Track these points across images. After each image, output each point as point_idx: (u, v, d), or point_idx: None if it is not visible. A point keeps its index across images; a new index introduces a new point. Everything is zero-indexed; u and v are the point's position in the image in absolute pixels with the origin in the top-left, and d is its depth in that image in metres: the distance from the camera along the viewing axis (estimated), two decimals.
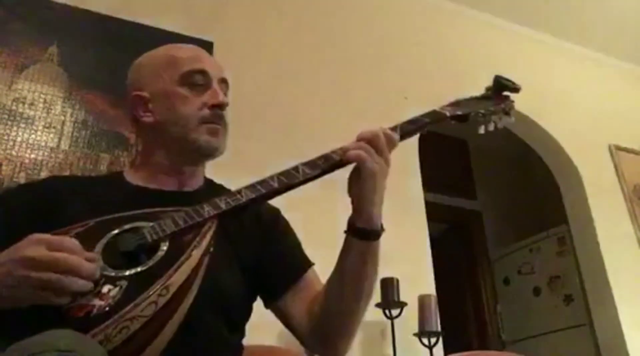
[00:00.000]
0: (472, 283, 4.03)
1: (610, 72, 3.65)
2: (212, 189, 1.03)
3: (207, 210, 0.81)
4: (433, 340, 2.13)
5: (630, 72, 3.76)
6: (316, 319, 0.92)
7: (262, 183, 0.85)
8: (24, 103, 1.94)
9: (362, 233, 0.86)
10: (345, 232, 0.88)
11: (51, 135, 1.94)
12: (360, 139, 0.88)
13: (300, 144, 2.31)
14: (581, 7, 3.29)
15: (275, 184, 0.85)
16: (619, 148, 3.28)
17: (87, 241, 0.75)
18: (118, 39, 2.17)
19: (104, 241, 0.76)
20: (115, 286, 0.69)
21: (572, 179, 3.10)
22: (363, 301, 0.90)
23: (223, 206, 0.82)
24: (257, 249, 0.97)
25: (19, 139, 1.89)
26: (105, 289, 0.68)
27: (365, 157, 0.85)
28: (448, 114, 0.99)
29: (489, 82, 1.05)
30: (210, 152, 0.96)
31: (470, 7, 3.26)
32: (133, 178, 0.99)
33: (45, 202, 0.88)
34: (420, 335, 2.13)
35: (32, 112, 1.94)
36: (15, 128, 1.90)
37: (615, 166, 3.21)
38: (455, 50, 3.10)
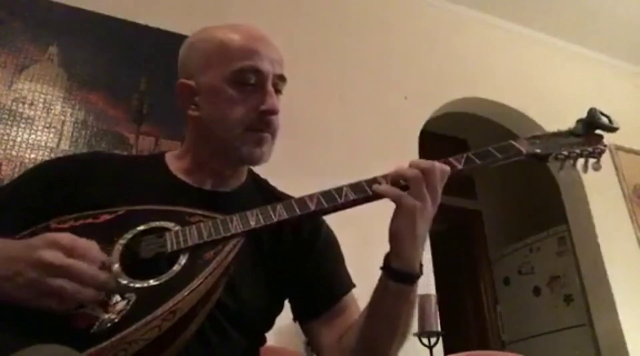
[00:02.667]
0: (472, 283, 4.04)
1: (610, 72, 3.65)
2: (252, 189, 0.97)
3: (235, 225, 0.76)
4: (433, 340, 2.13)
5: (630, 72, 3.76)
6: (347, 352, 0.85)
7: (298, 201, 0.79)
8: (24, 103, 1.94)
9: (397, 275, 0.78)
10: (381, 269, 0.80)
11: (51, 135, 1.94)
12: (412, 167, 0.77)
13: (300, 144, 2.31)
14: (581, 7, 3.29)
15: (312, 207, 0.78)
16: (619, 148, 3.28)
17: (113, 231, 0.74)
18: (118, 39, 2.18)
19: (128, 236, 0.75)
20: (123, 298, 0.67)
21: (572, 179, 3.10)
22: (395, 344, 0.82)
23: (252, 223, 0.77)
24: (292, 265, 0.91)
25: (19, 139, 1.89)
26: (112, 300, 0.66)
27: (399, 194, 0.76)
28: (524, 151, 0.85)
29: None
30: (252, 162, 0.90)
31: (470, 8, 3.26)
32: (174, 165, 0.94)
33: (82, 177, 0.86)
34: (420, 335, 2.13)
35: (32, 112, 1.94)
36: (15, 128, 1.90)
37: (615, 166, 3.21)
38: (455, 50, 3.10)
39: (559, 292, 3.39)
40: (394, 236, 0.78)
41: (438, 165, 0.78)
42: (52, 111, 1.98)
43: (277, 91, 0.90)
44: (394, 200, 0.77)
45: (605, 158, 3.65)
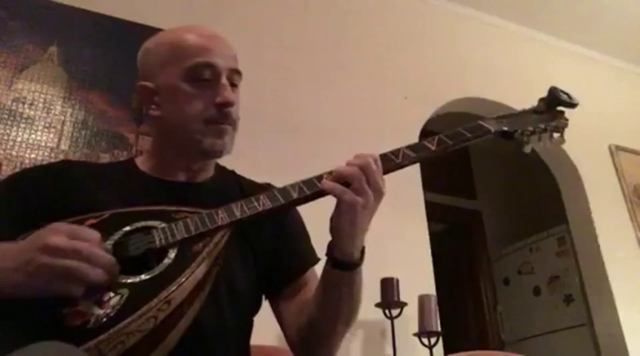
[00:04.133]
0: (472, 283, 4.03)
1: (610, 72, 3.65)
2: (223, 179, 1.01)
3: (221, 217, 0.78)
4: (433, 340, 2.13)
5: (630, 72, 3.76)
6: (300, 330, 0.90)
7: (282, 191, 0.82)
8: (24, 103, 1.94)
9: (338, 263, 0.82)
10: (325, 255, 0.84)
11: (51, 135, 1.94)
12: (350, 164, 0.80)
13: (301, 145, 2.31)
14: (581, 7, 3.29)
15: (295, 195, 0.80)
16: (619, 148, 3.28)
17: (100, 234, 0.74)
18: (118, 39, 2.17)
19: (115, 237, 0.75)
20: (116, 294, 0.67)
21: (572, 179, 3.10)
22: (340, 325, 0.87)
23: (238, 214, 0.79)
24: (269, 244, 0.95)
25: (19, 139, 1.89)
26: (106, 296, 0.67)
27: (340, 191, 0.78)
28: (493, 129, 0.90)
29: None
30: (215, 154, 0.92)
31: (470, 8, 3.26)
32: (145, 166, 0.96)
33: (59, 185, 0.86)
34: (420, 335, 2.13)
35: (32, 112, 1.94)
36: (15, 128, 1.90)
37: (615, 166, 3.21)
38: (455, 50, 3.10)
39: (559, 292, 3.39)
40: (335, 229, 0.81)
41: (372, 159, 0.80)
42: (52, 111, 1.98)
43: (234, 85, 0.93)
44: (335, 197, 0.79)
45: (605, 158, 3.67)
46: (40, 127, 1.94)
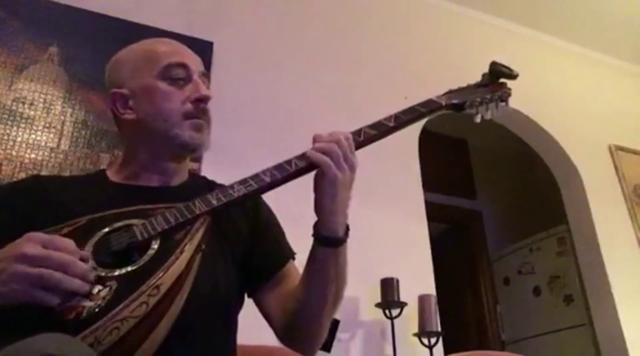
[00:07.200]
0: (472, 283, 4.03)
1: (610, 72, 3.65)
2: (197, 183, 1.03)
3: (199, 206, 0.81)
4: (433, 340, 2.13)
5: (630, 72, 3.76)
6: (288, 316, 0.92)
7: (254, 177, 0.85)
8: (24, 103, 1.94)
9: (323, 240, 0.86)
10: (312, 236, 0.88)
11: (51, 135, 1.94)
12: (325, 142, 0.86)
13: (301, 144, 2.31)
14: (581, 7, 3.29)
15: (268, 179, 0.85)
16: (619, 148, 3.28)
17: (78, 239, 0.75)
18: (118, 39, 2.16)
19: (95, 239, 0.76)
20: (105, 286, 0.69)
21: (572, 179, 3.10)
22: (328, 304, 0.90)
23: (214, 202, 0.82)
24: (245, 241, 0.97)
25: (19, 139, 1.89)
26: (95, 289, 0.68)
27: (329, 163, 0.83)
28: (443, 103, 0.98)
29: None
30: (195, 148, 0.94)
31: (471, 7, 3.26)
32: (116, 176, 0.97)
33: (30, 202, 0.87)
34: (420, 335, 2.13)
35: (32, 112, 1.94)
36: (15, 128, 1.90)
37: (615, 166, 3.21)
38: (455, 50, 3.10)
39: (559, 292, 3.39)
40: (319, 207, 0.86)
41: (344, 136, 0.86)
42: (52, 111, 1.98)
43: None
44: (324, 169, 0.84)
45: (605, 158, 3.66)
46: (40, 127, 1.94)
